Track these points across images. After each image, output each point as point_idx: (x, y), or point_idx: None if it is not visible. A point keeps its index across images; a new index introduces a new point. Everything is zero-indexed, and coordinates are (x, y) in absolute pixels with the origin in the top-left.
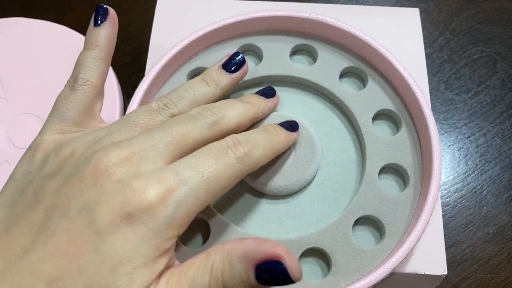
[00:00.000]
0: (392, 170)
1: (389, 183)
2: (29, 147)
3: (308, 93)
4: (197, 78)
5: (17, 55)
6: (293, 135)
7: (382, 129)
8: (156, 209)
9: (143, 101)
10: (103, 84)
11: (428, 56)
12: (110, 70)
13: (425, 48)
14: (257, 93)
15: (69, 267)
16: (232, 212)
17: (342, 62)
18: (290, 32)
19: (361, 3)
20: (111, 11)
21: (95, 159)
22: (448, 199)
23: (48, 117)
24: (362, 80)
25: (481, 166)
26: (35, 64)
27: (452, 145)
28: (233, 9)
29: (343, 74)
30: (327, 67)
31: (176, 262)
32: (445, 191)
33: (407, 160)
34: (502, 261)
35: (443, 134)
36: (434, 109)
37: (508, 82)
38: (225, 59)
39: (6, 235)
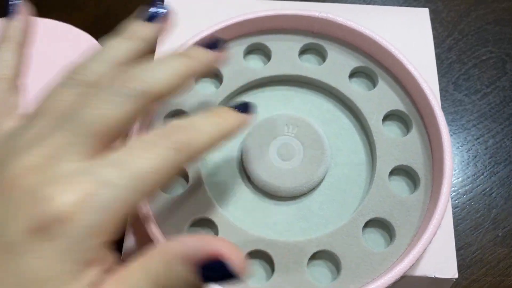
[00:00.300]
0: (403, 171)
1: (399, 185)
2: None
3: (317, 93)
4: (113, 36)
5: None
6: (244, 117)
7: (392, 130)
8: (73, 218)
9: None
10: (18, 77)
11: (436, 57)
12: None
13: (434, 48)
14: (198, 44)
15: None
16: (239, 214)
17: (351, 61)
18: (299, 31)
19: (369, 3)
20: (23, 3)
21: (1, 167)
22: (457, 201)
23: None
24: (372, 80)
25: (490, 168)
26: (39, 63)
27: (461, 146)
28: (242, 7)
29: (353, 74)
30: (336, 67)
31: None
32: (454, 193)
33: (417, 161)
34: None
35: (451, 135)
36: (442, 110)
37: None
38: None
39: None
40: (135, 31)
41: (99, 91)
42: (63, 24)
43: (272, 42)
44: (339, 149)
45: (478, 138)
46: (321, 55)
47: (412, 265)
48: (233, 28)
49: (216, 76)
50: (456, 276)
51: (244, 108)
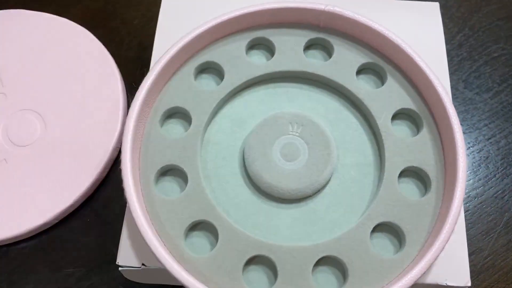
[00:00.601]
0: (413, 173)
1: (409, 188)
2: None
3: (323, 90)
4: None
5: (17, 48)
6: None
7: (402, 129)
8: None
9: (148, 97)
10: None
11: (446, 54)
12: (113, 64)
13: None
14: None
15: None
16: (242, 217)
17: (359, 57)
18: (304, 25)
19: None
20: None
21: None
22: (467, 205)
23: None
24: (380, 77)
25: (502, 170)
26: (36, 58)
27: (472, 147)
28: (244, 0)
29: (360, 70)
30: (343, 63)
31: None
32: (465, 196)
33: (428, 163)
34: None
35: None
36: None
37: None
38: None
39: None
40: None
41: None
42: (60, 19)
43: (276, 36)
44: (346, 150)
45: (489, 139)
46: (327, 50)
47: (424, 272)
48: (235, 21)
49: (217, 72)
50: (469, 284)
51: None
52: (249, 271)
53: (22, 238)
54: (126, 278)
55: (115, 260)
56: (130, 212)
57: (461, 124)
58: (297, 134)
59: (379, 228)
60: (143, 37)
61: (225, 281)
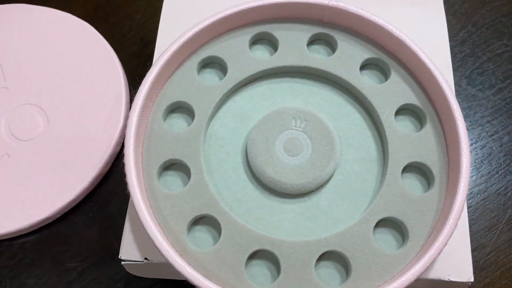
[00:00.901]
0: (416, 169)
1: (413, 183)
2: None
3: (326, 86)
4: None
5: (19, 42)
6: None
7: (405, 125)
8: None
9: (151, 91)
10: None
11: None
12: (116, 59)
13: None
14: None
15: None
16: (244, 211)
17: (363, 52)
18: (308, 20)
19: None
20: None
21: None
22: (470, 201)
23: None
24: (384, 73)
25: (505, 166)
26: (38, 52)
27: (475, 143)
28: None
29: (364, 66)
30: (346, 58)
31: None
32: (467, 192)
33: (432, 158)
34: None
35: None
36: None
37: None
38: None
39: None
40: None
41: None
42: (62, 13)
43: (279, 31)
44: (349, 145)
45: (492, 135)
46: (331, 45)
47: (427, 268)
48: (239, 16)
49: (220, 66)
50: (472, 279)
51: None
52: (252, 266)
53: (25, 232)
54: (128, 272)
55: (118, 255)
56: (133, 206)
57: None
58: (300, 129)
59: (382, 223)
60: (145, 32)
61: (228, 275)
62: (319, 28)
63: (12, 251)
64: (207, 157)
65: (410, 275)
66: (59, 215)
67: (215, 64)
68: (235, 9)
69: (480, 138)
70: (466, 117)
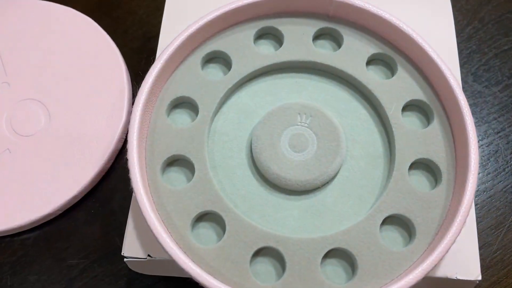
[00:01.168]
0: (423, 165)
1: (420, 180)
2: None
3: (332, 81)
4: None
5: (21, 37)
6: None
7: (412, 121)
8: None
9: (154, 86)
10: None
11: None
12: (119, 55)
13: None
14: None
15: None
16: (249, 208)
17: (369, 47)
18: (313, 15)
19: None
20: None
21: None
22: (476, 199)
23: None
24: (390, 68)
25: None
26: (40, 47)
27: (481, 140)
28: None
29: (370, 61)
30: (353, 53)
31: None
32: None
33: (439, 155)
34: None
35: None
36: None
37: None
38: None
39: None
40: None
41: None
42: (65, 8)
43: (284, 26)
44: (355, 141)
45: (499, 132)
46: (337, 40)
47: (435, 266)
48: (243, 10)
49: (224, 61)
50: (480, 278)
51: None
52: (257, 263)
53: (26, 228)
54: (131, 269)
55: (120, 251)
56: (136, 203)
57: None
58: (305, 125)
59: (388, 220)
60: (148, 27)
61: (232, 272)
62: (325, 22)
63: (13, 248)
64: (211, 153)
65: (417, 273)
66: (60, 212)
67: (219, 59)
68: (240, 3)
69: (486, 135)
70: (472, 114)
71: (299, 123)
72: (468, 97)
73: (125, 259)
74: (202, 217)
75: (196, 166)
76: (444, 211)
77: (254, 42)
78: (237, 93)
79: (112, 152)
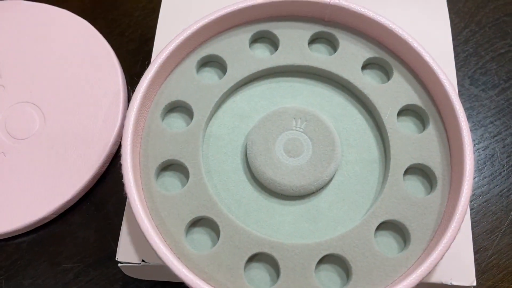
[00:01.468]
0: (418, 171)
1: (415, 185)
2: None
3: (327, 85)
4: None
5: (16, 40)
6: None
7: (408, 126)
8: None
9: (149, 90)
10: None
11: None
12: (114, 57)
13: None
14: None
15: None
16: (243, 213)
17: (365, 52)
18: (309, 19)
19: None
20: None
21: None
22: (472, 203)
23: None
24: (386, 72)
25: (508, 168)
26: (35, 49)
27: (477, 144)
28: None
29: (366, 65)
30: (348, 57)
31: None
32: None
33: (434, 160)
34: None
35: None
36: None
37: None
38: None
39: None
40: None
41: None
42: (60, 10)
43: (280, 30)
44: (350, 146)
45: (495, 136)
46: (332, 44)
47: (430, 272)
48: (239, 14)
49: (220, 65)
50: (474, 283)
51: None
52: (251, 269)
53: (20, 232)
54: (125, 274)
55: (115, 256)
56: (130, 208)
57: None
58: (300, 129)
59: (383, 226)
60: (144, 29)
61: (227, 278)
62: (321, 26)
63: (7, 252)
64: (205, 158)
65: (412, 279)
66: (55, 215)
67: (215, 63)
68: (235, 7)
69: (482, 139)
70: (468, 117)
71: (294, 128)
72: (464, 100)
73: (119, 264)
74: (197, 223)
75: (190, 171)
76: (439, 216)
77: (250, 46)
78: (232, 97)
79: (107, 156)
